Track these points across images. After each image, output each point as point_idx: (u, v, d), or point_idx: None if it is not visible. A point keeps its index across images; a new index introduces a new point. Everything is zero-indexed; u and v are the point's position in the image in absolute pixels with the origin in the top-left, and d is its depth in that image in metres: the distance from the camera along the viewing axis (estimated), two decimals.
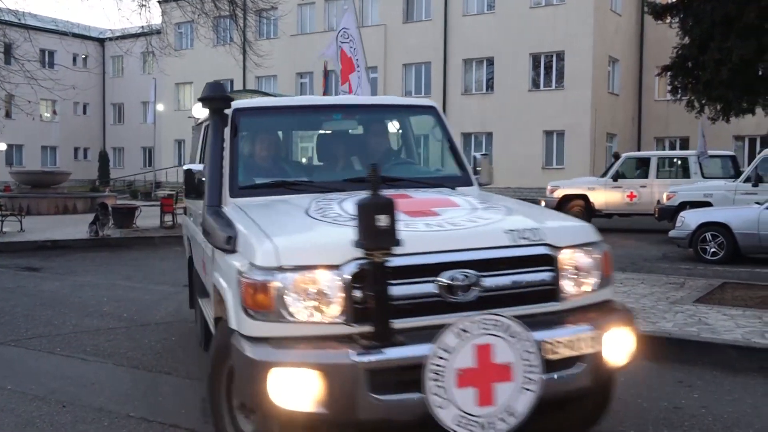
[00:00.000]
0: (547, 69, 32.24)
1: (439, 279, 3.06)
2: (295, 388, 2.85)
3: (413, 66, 35.79)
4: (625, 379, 5.33)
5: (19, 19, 15.47)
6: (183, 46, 40.13)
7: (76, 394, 5.04)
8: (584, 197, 18.32)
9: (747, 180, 14.47)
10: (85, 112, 54.26)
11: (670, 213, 15.23)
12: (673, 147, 33.74)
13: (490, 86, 33.79)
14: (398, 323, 2.96)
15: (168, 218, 17.14)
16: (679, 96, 8.33)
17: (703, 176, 17.30)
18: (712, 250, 11.80)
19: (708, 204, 14.56)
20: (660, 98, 33.00)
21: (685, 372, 5.54)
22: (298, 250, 3.10)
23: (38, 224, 17.14)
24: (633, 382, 5.25)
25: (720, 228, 11.72)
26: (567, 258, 3.33)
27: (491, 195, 4.46)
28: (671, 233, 12.66)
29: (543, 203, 16.58)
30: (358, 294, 2.96)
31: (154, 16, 34.49)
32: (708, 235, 11.82)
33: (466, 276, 3.08)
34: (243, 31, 18.30)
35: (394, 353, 2.90)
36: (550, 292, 3.28)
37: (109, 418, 4.52)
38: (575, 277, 3.35)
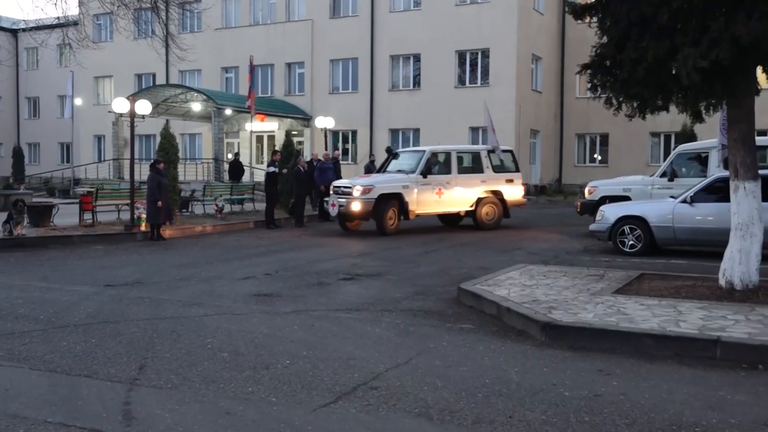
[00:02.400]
0: (473, 66, 32.73)
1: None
2: None
3: (340, 62, 35.71)
4: (547, 369, 5.49)
5: None
6: (102, 39, 38.88)
7: None
8: (398, 196, 16.36)
9: (663, 175, 15.06)
10: None
11: (591, 207, 15.72)
12: (593, 142, 34.85)
13: (417, 83, 34.05)
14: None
15: (87, 216, 16.58)
16: (598, 94, 8.56)
17: (494, 170, 17.58)
18: (630, 242, 12.23)
19: (627, 198, 15.08)
20: (581, 96, 33.97)
21: (604, 360, 5.73)
22: None
23: None
24: (554, 372, 5.39)
25: (638, 221, 12.16)
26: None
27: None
28: (591, 227, 13.06)
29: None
30: None
31: (70, 6, 33.27)
32: (626, 228, 12.25)
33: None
34: (165, 24, 17.84)
35: None
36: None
37: (24, 425, 4.34)
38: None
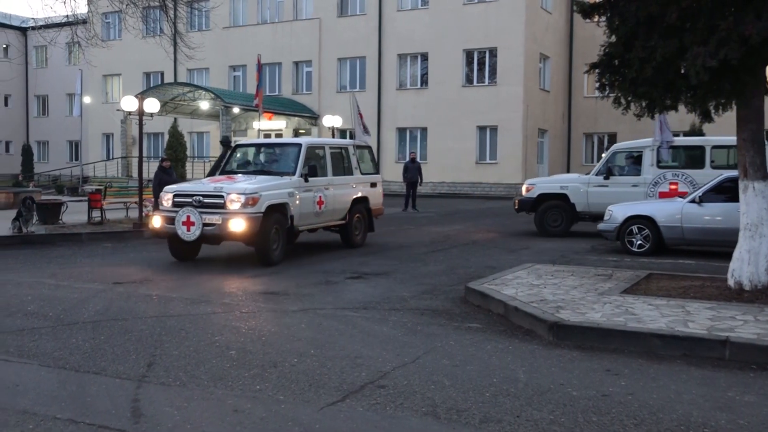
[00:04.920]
0: (480, 65, 32.70)
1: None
2: None
3: (348, 60, 35.73)
4: (555, 368, 5.48)
5: None
6: (111, 37, 39.01)
7: None
8: (283, 207, 11.42)
9: (599, 173, 15.17)
10: (6, 104, 52.14)
11: (528, 204, 15.77)
12: (601, 142, 34.75)
13: (424, 81, 34.04)
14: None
15: (96, 214, 16.64)
16: (606, 93, 8.57)
17: (361, 172, 14.33)
18: (639, 242, 12.20)
19: (564, 196, 15.28)
20: (589, 95, 33.92)
21: (612, 360, 5.72)
22: None
23: None
24: (562, 372, 5.39)
25: (646, 221, 12.13)
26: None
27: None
28: (599, 226, 13.03)
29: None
30: None
31: (79, 5, 33.38)
32: (634, 228, 12.22)
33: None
34: (174, 23, 17.90)
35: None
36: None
37: (34, 421, 4.37)
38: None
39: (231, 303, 8.08)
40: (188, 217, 10.67)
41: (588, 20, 8.55)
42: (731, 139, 16.17)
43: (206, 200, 10.81)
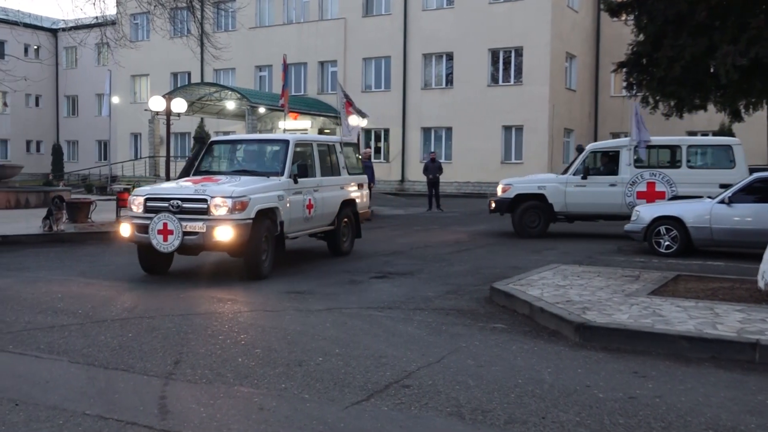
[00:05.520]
0: (506, 64, 32.54)
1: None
2: None
3: (373, 60, 35.77)
4: (581, 370, 5.44)
5: None
6: (139, 38, 39.44)
7: (29, 392, 4.92)
8: (272, 212, 10.10)
9: (576, 173, 15.03)
10: (37, 104, 52.98)
11: (505, 205, 15.54)
12: None
13: (449, 81, 33.96)
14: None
15: (124, 212, 16.82)
16: (634, 92, 8.51)
17: (348, 172, 13.14)
18: (666, 243, 12.06)
19: (542, 196, 15.07)
20: (616, 94, 33.61)
21: (639, 363, 5.66)
22: None
23: None
24: (588, 373, 5.35)
25: (674, 222, 11.99)
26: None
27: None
28: (626, 227, 12.90)
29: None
30: None
31: (108, 6, 33.91)
32: (662, 229, 12.08)
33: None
34: (200, 23, 18.07)
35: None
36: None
37: (63, 417, 4.43)
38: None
39: (256, 302, 8.14)
40: (165, 225, 9.15)
41: (615, 19, 8.51)
42: (706, 139, 16.16)
43: (186, 205, 9.30)
